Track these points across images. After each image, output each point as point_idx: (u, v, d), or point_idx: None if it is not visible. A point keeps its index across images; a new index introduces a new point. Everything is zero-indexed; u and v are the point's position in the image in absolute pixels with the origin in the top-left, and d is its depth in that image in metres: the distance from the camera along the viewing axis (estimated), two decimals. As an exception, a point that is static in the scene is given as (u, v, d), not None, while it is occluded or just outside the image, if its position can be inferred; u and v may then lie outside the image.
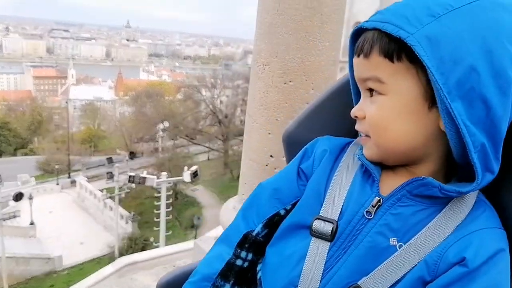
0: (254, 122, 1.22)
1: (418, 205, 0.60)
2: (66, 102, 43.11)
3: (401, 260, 0.59)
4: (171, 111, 31.43)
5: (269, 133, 1.19)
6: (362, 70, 0.61)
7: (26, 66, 63.08)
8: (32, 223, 20.15)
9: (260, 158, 1.22)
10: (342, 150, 0.74)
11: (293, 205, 0.74)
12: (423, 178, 0.58)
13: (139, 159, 30.84)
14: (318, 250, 0.66)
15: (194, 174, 12.82)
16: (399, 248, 0.60)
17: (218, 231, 2.25)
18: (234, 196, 1.45)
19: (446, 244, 0.58)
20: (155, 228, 14.47)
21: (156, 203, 13.80)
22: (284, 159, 1.20)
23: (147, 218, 21.75)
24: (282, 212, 0.74)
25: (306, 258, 0.66)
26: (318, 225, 0.67)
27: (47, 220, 21.38)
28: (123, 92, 49.14)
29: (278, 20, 1.10)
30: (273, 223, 0.75)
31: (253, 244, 0.76)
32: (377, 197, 0.62)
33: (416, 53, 0.51)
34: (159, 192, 13.21)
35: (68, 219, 22.07)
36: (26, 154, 34.82)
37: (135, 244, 18.08)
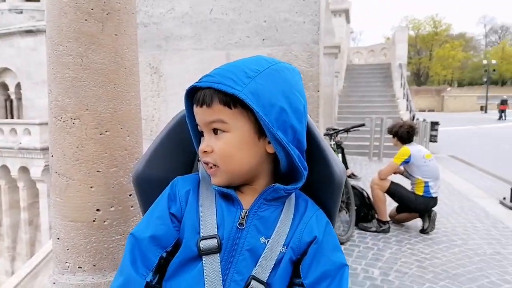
0: (70, 180, 1.14)
1: (271, 207, 0.86)
2: None
3: (271, 250, 0.83)
4: None
5: (91, 187, 1.15)
6: (206, 116, 0.81)
7: None
8: None
9: (85, 216, 1.15)
10: (198, 184, 0.90)
11: (173, 246, 0.85)
12: (272, 185, 0.85)
13: None
14: (212, 264, 0.81)
15: None
16: (267, 243, 0.82)
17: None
18: (50, 272, 1.24)
19: (300, 231, 0.85)
20: None
21: None
22: (112, 209, 1.20)
23: None
24: (164, 254, 0.84)
25: (205, 273, 0.80)
26: (204, 244, 0.82)
27: None
28: None
29: (84, 75, 1.11)
30: (160, 266, 0.83)
31: None
32: (243, 211, 0.84)
33: (247, 103, 0.76)
34: None
35: None
36: None
37: None
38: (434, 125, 12.03)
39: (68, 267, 1.16)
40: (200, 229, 0.82)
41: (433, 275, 3.33)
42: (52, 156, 1.16)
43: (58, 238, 1.17)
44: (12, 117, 13.62)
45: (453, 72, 55.83)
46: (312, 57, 2.31)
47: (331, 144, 4.58)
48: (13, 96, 13.79)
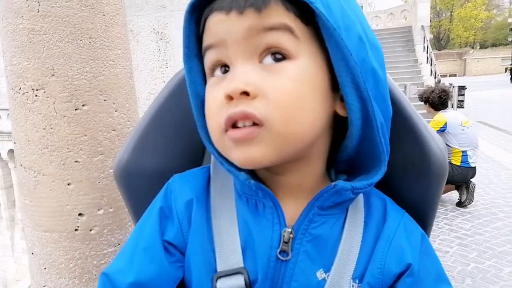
0: (39, 175, 0.82)
1: (330, 219, 0.52)
2: None
3: None
4: None
5: (68, 184, 0.83)
6: (253, 24, 0.42)
7: None
8: None
9: (63, 223, 0.83)
10: (208, 185, 0.56)
11: None
12: (334, 185, 0.48)
13: None
14: None
15: None
16: (328, 278, 0.50)
17: None
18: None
19: (381, 255, 0.52)
20: None
21: None
22: (100, 212, 0.88)
23: None
24: None
25: None
26: (222, 285, 0.48)
27: None
28: None
29: (44, 24, 0.77)
30: None
31: None
32: (287, 229, 0.49)
33: (322, 15, 0.41)
34: None
35: None
36: None
37: None
38: (461, 89, 11.40)
39: (47, 292, 0.87)
40: (216, 261, 0.50)
41: (477, 254, 3.04)
42: (15, 143, 0.84)
43: (32, 253, 0.87)
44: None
45: (475, 33, 53.71)
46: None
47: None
48: None
